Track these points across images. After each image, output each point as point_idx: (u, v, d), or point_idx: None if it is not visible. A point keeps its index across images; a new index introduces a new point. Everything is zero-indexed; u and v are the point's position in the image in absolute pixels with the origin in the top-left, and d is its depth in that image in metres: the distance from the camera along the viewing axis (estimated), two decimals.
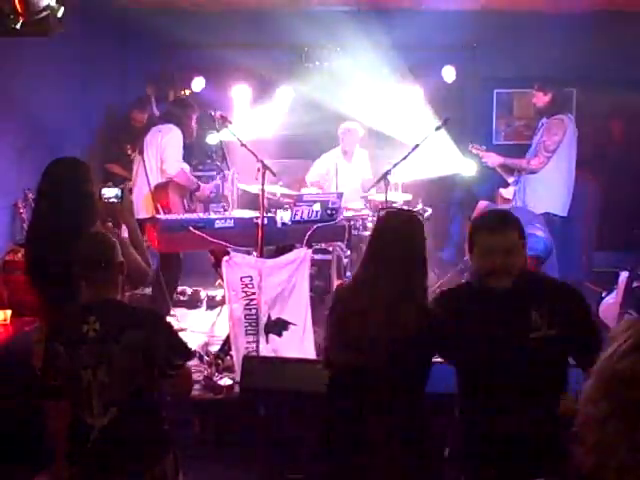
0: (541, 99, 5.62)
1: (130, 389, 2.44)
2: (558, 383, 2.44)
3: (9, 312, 4.74)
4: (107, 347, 2.42)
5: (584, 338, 2.42)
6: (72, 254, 2.59)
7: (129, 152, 6.29)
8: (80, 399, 2.45)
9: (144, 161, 5.29)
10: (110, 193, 3.18)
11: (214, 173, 6.43)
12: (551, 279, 2.68)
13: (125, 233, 3.27)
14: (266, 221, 4.57)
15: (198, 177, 5.89)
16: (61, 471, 2.54)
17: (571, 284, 2.57)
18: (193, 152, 6.18)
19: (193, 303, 6.05)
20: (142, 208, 5.19)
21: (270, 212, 4.87)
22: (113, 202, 3.18)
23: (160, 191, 5.20)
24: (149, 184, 5.20)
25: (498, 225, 2.43)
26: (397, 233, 2.58)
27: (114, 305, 2.55)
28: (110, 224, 3.29)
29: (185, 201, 5.39)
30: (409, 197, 5.93)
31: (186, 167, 5.43)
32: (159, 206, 5.10)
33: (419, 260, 2.56)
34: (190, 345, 2.68)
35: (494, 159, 5.73)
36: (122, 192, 3.20)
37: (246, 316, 4.44)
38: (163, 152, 5.23)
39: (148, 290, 5.50)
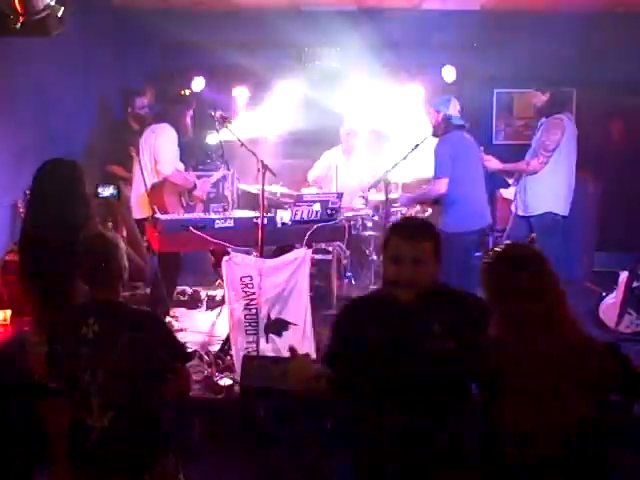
0: (540, 99, 5.62)
1: (129, 390, 2.44)
2: (459, 396, 2.35)
3: (9, 312, 4.73)
4: (106, 349, 2.43)
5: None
6: (71, 255, 2.59)
7: (132, 154, 6.29)
8: (80, 400, 2.45)
9: (140, 162, 5.29)
10: (106, 191, 3.16)
11: (213, 173, 6.41)
12: (458, 290, 2.48)
13: (124, 231, 3.27)
14: (266, 221, 4.57)
15: (198, 177, 5.86)
16: (62, 471, 2.55)
17: (474, 295, 2.45)
18: (193, 152, 6.18)
19: (193, 303, 6.04)
20: (139, 208, 5.19)
21: (270, 212, 4.87)
22: (109, 200, 3.18)
23: (155, 192, 5.19)
24: (145, 184, 5.20)
25: (412, 233, 2.34)
26: None
27: (113, 307, 2.55)
28: (110, 224, 3.30)
29: (183, 200, 5.37)
30: (419, 202, 5.92)
31: (180, 166, 5.37)
32: (155, 207, 5.08)
33: None
34: (190, 345, 2.68)
35: (494, 164, 5.74)
36: (118, 189, 3.19)
37: (246, 316, 4.44)
38: (157, 152, 5.22)
39: (148, 290, 5.50)
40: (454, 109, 5.09)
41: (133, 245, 3.04)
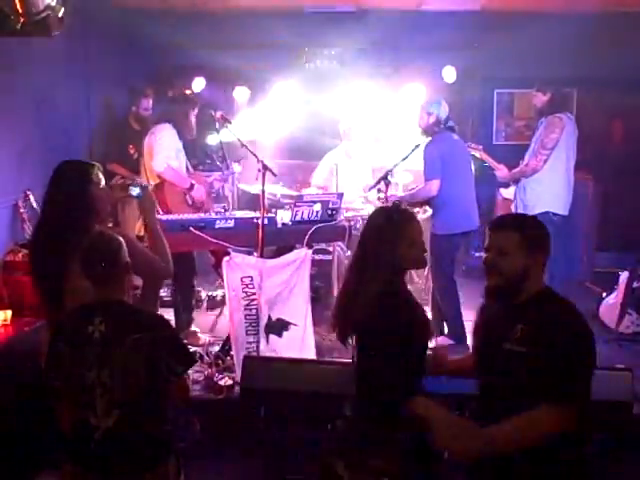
0: (540, 99, 5.62)
1: (133, 391, 2.44)
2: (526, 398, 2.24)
3: (9, 312, 4.74)
4: (111, 349, 2.43)
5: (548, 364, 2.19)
6: (74, 254, 2.59)
7: (131, 152, 6.29)
8: (84, 400, 2.45)
9: (144, 164, 5.27)
10: (133, 191, 3.26)
11: (215, 173, 6.39)
12: (559, 304, 2.36)
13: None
14: (266, 221, 4.57)
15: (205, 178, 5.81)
16: (69, 470, 2.55)
17: (574, 318, 2.30)
18: (195, 152, 6.18)
19: (194, 303, 6.03)
20: None
21: (270, 212, 4.87)
22: (134, 199, 3.30)
23: (157, 192, 5.15)
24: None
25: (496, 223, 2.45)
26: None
27: (119, 307, 2.54)
28: (111, 224, 3.30)
29: (189, 198, 5.31)
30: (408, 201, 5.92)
31: (175, 164, 5.20)
32: (158, 208, 5.04)
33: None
34: (192, 349, 2.68)
35: (503, 173, 5.78)
36: (143, 190, 3.24)
37: (246, 316, 4.44)
38: (152, 150, 5.20)
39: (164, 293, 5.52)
40: (444, 111, 5.10)
41: (155, 245, 3.11)
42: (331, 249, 5.64)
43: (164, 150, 5.09)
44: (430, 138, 5.09)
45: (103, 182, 3.13)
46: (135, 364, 2.42)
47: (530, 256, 2.32)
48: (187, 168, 5.41)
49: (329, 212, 4.86)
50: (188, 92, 6.96)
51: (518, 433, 2.13)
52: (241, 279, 4.43)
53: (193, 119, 5.34)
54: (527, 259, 2.32)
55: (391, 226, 2.53)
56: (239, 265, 4.43)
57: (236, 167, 5.64)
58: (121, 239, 2.60)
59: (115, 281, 2.54)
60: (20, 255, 4.93)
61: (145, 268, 3.06)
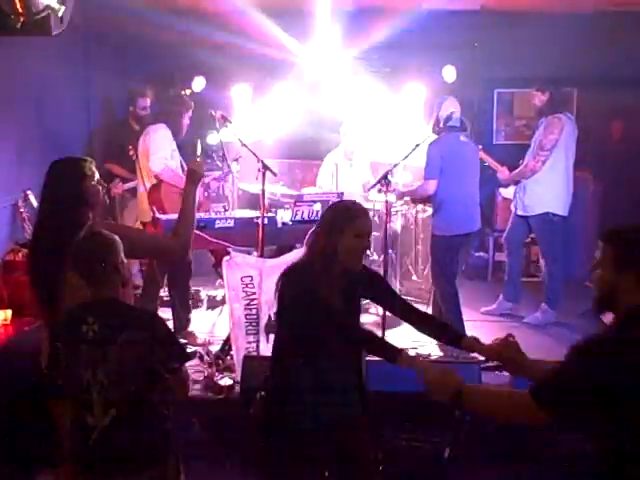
0: (540, 99, 5.63)
1: (129, 390, 2.43)
2: None
3: (9, 312, 4.74)
4: (105, 348, 2.42)
5: None
6: (69, 253, 2.59)
7: (130, 152, 6.29)
8: (80, 399, 2.45)
9: (140, 164, 5.27)
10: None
11: (214, 172, 6.38)
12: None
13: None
14: (267, 221, 4.57)
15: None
16: (69, 470, 2.54)
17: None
18: (195, 152, 6.17)
19: (194, 303, 5.98)
20: (142, 210, 5.17)
21: (271, 212, 4.87)
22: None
23: (153, 192, 5.15)
24: (145, 186, 5.18)
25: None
26: None
27: (113, 305, 2.53)
28: (112, 222, 3.30)
29: None
30: (408, 197, 5.92)
31: (172, 164, 5.23)
32: (154, 208, 5.04)
33: None
34: (189, 347, 2.67)
35: (504, 175, 5.78)
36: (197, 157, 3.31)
37: (247, 316, 4.44)
38: (148, 150, 5.20)
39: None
40: (446, 110, 5.04)
41: (182, 212, 3.15)
42: None
43: (161, 150, 5.09)
44: (436, 137, 5.08)
45: (97, 176, 3.10)
46: (129, 362, 2.42)
47: (618, 272, 2.11)
48: (182, 167, 5.41)
49: None
50: (188, 92, 6.96)
51: (489, 399, 2.20)
52: (241, 279, 4.43)
53: (186, 121, 5.35)
54: (616, 275, 2.11)
55: (342, 215, 2.74)
56: (239, 265, 4.43)
57: (234, 166, 5.64)
58: (114, 237, 2.57)
59: (108, 280, 2.53)
60: (20, 255, 4.93)
61: (156, 251, 3.21)
